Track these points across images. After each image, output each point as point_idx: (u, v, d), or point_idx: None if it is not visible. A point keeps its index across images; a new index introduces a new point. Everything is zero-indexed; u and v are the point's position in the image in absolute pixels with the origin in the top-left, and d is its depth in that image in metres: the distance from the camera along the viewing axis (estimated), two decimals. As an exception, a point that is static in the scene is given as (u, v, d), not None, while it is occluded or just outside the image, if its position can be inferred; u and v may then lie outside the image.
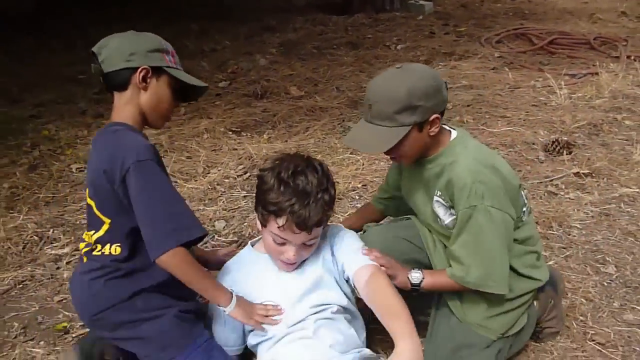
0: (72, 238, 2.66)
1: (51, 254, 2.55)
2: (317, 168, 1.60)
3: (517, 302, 1.71)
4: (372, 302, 1.56)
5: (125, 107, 1.63)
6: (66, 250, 2.56)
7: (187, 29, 6.87)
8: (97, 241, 1.63)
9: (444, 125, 1.69)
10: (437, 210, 1.70)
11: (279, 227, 1.54)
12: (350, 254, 1.67)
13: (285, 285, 1.65)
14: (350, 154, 3.37)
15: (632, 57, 4.79)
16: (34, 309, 2.20)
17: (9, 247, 2.58)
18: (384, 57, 5.24)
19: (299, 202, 1.52)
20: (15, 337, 2.05)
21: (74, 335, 2.04)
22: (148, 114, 1.65)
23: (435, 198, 1.69)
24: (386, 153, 1.66)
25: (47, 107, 4.48)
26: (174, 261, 1.47)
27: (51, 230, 2.73)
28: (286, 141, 3.59)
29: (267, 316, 1.60)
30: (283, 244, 1.59)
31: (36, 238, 2.65)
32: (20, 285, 2.35)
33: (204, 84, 1.72)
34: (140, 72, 1.58)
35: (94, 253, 1.63)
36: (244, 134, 3.76)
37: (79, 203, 2.99)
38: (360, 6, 6.93)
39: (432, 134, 1.62)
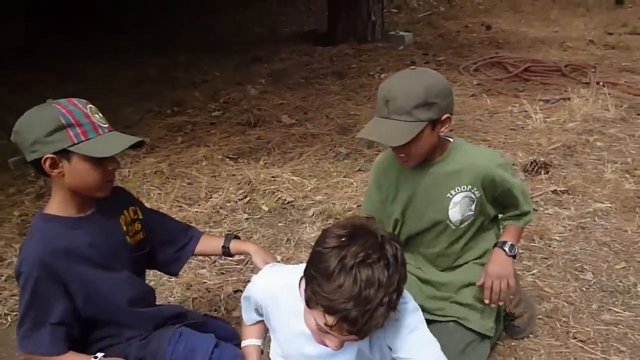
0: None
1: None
2: (390, 260, 1.25)
3: None
4: None
5: (55, 193, 1.58)
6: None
7: (176, 61, 7.10)
8: None
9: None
10: (455, 207, 1.83)
11: (326, 324, 1.27)
12: (416, 344, 1.42)
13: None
14: (343, 177, 3.59)
15: (601, 83, 5.10)
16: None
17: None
18: (368, 86, 5.50)
19: (357, 307, 1.21)
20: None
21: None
22: (80, 191, 1.56)
23: (459, 195, 1.82)
24: (398, 149, 1.72)
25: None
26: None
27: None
28: (282, 166, 3.79)
29: None
30: (326, 332, 1.31)
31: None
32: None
33: (121, 148, 1.51)
34: (45, 161, 1.48)
35: None
36: (241, 161, 3.95)
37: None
38: (343, 37, 7.23)
39: (441, 133, 1.74)
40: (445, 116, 1.71)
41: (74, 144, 1.46)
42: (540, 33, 7.75)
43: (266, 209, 3.27)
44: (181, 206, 3.30)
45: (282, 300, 1.48)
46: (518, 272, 2.33)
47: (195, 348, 1.64)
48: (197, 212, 3.25)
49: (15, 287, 2.61)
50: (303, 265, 1.37)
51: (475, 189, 1.82)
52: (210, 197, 3.43)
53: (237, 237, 1.94)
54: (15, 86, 6.32)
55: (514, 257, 1.89)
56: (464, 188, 1.82)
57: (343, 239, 1.25)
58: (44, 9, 8.60)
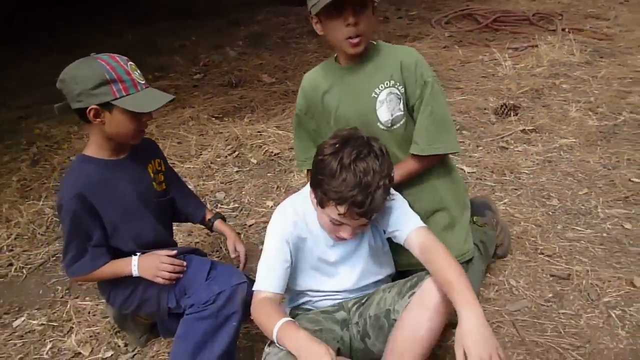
0: (89, 217, 2.99)
1: (73, 231, 2.88)
2: (378, 153, 1.56)
3: (467, 217, 2.05)
4: (430, 270, 1.60)
5: (92, 137, 1.77)
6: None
7: (154, 28, 7.13)
8: None
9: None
10: (382, 107, 1.82)
11: (339, 214, 1.55)
12: (400, 217, 1.71)
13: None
14: (326, 129, 3.77)
15: (567, 30, 5.31)
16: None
17: (34, 229, 2.89)
18: (345, 43, 5.64)
19: (361, 192, 1.50)
20: (62, 296, 2.39)
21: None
22: (117, 139, 1.75)
23: (384, 92, 1.81)
24: (357, 28, 1.71)
25: (34, 109, 4.72)
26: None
27: (68, 212, 3.05)
28: (266, 122, 3.95)
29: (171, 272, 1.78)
30: (340, 224, 1.60)
31: (55, 221, 2.97)
32: (54, 258, 2.67)
33: (159, 104, 1.71)
34: (89, 112, 1.65)
35: None
36: (226, 119, 4.11)
37: (86, 189, 3.30)
38: (317, -4, 7.30)
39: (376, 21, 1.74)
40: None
41: (116, 99, 1.64)
42: (509, -16, 7.89)
43: (255, 161, 3.45)
44: (174, 163, 3.46)
45: (308, 216, 1.71)
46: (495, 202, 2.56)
47: (197, 268, 1.84)
48: (189, 167, 3.42)
49: (26, 243, 2.79)
50: (299, 192, 1.67)
51: (398, 83, 1.81)
52: (201, 154, 3.60)
53: (223, 219, 2.16)
54: (1, 61, 6.34)
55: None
56: (386, 84, 1.81)
57: (337, 145, 1.55)
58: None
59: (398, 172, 1.82)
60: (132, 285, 1.84)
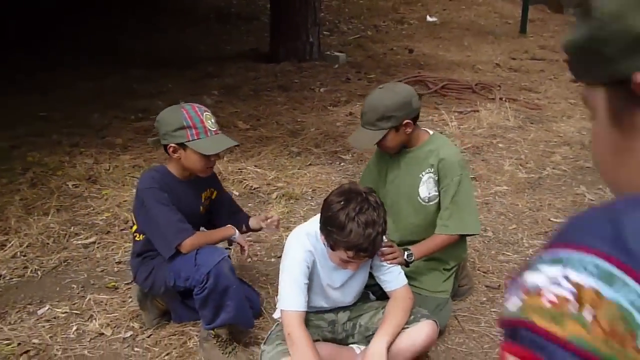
0: (91, 232, 3.39)
1: (79, 243, 3.28)
2: (375, 205, 1.96)
3: (454, 267, 2.57)
4: (388, 307, 2.17)
5: (171, 163, 2.27)
6: (93, 239, 3.30)
7: (130, 75, 7.60)
8: (135, 231, 2.39)
9: (422, 127, 2.49)
10: (423, 186, 2.40)
11: (348, 257, 1.97)
12: (388, 273, 2.21)
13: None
14: (298, 169, 4.33)
15: (504, 99, 6.14)
16: (83, 277, 2.94)
17: (44, 239, 3.27)
18: (311, 98, 6.30)
19: (366, 240, 1.91)
20: (79, 292, 2.79)
21: (121, 291, 2.80)
22: (189, 171, 2.26)
23: (426, 176, 2.39)
24: (378, 145, 2.39)
25: (23, 140, 5.06)
26: (185, 250, 2.20)
27: (71, 227, 3.44)
28: (245, 161, 4.47)
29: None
30: (348, 261, 2.02)
31: (62, 233, 3.36)
32: (65, 263, 3.06)
33: (222, 148, 2.23)
34: (170, 148, 2.19)
35: (136, 239, 2.41)
36: (208, 158, 4.60)
37: (84, 210, 3.70)
38: (285, 56, 8.01)
39: (407, 132, 2.36)
40: (405, 121, 2.33)
41: (189, 141, 2.14)
42: (455, 57, 8.82)
43: (237, 193, 3.94)
44: (164, 191, 3.91)
45: (318, 249, 2.13)
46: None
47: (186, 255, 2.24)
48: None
49: (37, 250, 3.17)
50: (310, 227, 2.15)
51: (435, 173, 2.37)
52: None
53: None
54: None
55: (409, 262, 2.34)
56: (428, 170, 2.39)
57: (342, 202, 1.96)
58: (3, 23, 8.87)
59: (430, 246, 2.38)
60: (151, 266, 2.30)
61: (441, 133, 5.13)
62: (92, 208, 3.71)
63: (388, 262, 2.21)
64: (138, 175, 4.17)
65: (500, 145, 4.82)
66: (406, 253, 2.32)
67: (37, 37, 9.31)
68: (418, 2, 12.87)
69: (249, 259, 2.90)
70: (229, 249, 2.71)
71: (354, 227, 1.91)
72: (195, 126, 2.14)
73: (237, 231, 2.39)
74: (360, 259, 2.03)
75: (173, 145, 2.17)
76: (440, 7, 12.69)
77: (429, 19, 11.70)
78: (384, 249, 2.19)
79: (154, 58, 8.70)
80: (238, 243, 2.43)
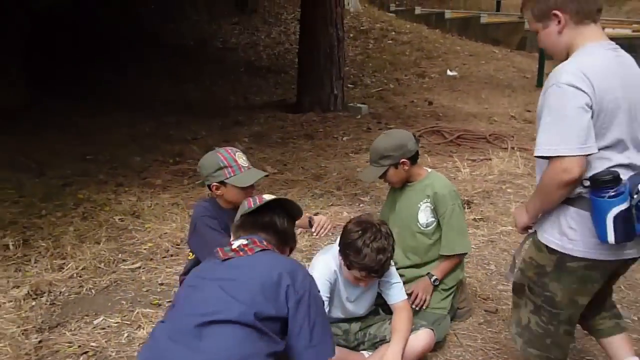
0: (137, 259, 3.84)
1: (126, 267, 3.72)
2: (385, 235, 2.41)
3: (452, 287, 2.95)
4: (395, 318, 2.60)
5: (218, 197, 2.65)
6: (138, 265, 3.74)
7: (165, 121, 8.23)
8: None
9: (421, 167, 2.98)
10: (421, 213, 2.87)
11: (361, 276, 2.41)
12: (392, 289, 2.63)
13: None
14: (321, 209, 4.75)
15: (515, 148, 6.54)
16: (130, 295, 3.37)
17: (96, 264, 3.73)
18: (334, 146, 6.79)
19: (377, 264, 2.36)
20: (128, 307, 3.21)
21: (164, 307, 3.21)
22: (232, 203, 2.57)
23: (423, 205, 2.86)
24: (382, 179, 2.92)
25: (73, 179, 5.61)
26: None
27: (119, 254, 3.89)
28: (272, 201, 4.91)
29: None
30: (361, 279, 2.46)
31: (112, 258, 3.81)
32: (115, 284, 3.50)
33: (254, 180, 2.58)
34: (212, 187, 2.59)
35: (188, 257, 2.84)
36: (239, 197, 5.06)
37: (130, 240, 4.16)
38: (310, 106, 8.58)
39: (405, 169, 2.85)
40: (402, 160, 2.83)
41: (227, 178, 2.55)
42: (473, 109, 9.27)
43: (265, 228, 4.36)
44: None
45: (339, 270, 2.56)
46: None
47: None
48: (213, 229, 4.31)
49: (91, 272, 3.61)
50: (332, 252, 2.58)
51: (431, 203, 2.85)
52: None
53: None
54: (24, 135, 7.29)
55: (436, 284, 2.87)
56: (425, 200, 2.88)
57: (359, 231, 2.41)
58: (41, 75, 9.65)
59: (442, 270, 2.88)
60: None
61: (454, 178, 5.61)
62: (136, 239, 4.17)
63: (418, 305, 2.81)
64: (177, 211, 4.67)
65: (509, 190, 5.19)
66: (432, 278, 2.86)
67: (75, 84, 10.08)
68: (439, 57, 13.49)
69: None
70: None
71: (368, 252, 2.35)
72: (230, 165, 2.56)
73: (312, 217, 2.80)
74: (370, 279, 2.46)
75: (215, 184, 2.59)
76: (460, 61, 13.27)
77: (449, 73, 12.26)
78: (415, 300, 2.79)
79: (187, 106, 9.36)
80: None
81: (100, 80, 10.51)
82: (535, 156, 1.94)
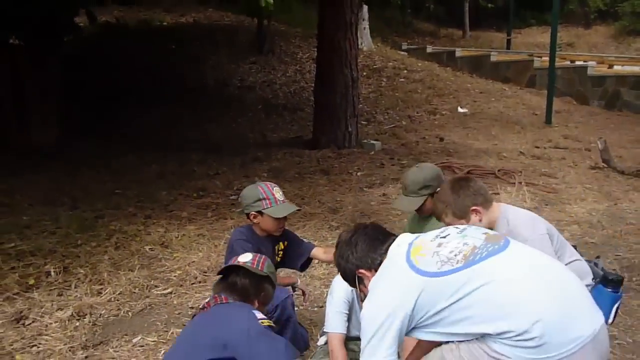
0: (168, 285, 4.16)
1: (159, 293, 4.04)
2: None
3: None
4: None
5: (254, 225, 3.02)
6: (169, 290, 4.06)
7: (189, 159, 8.64)
8: None
9: None
10: None
11: None
12: None
13: None
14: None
15: (523, 183, 6.83)
16: (164, 317, 3.68)
17: (131, 289, 4.05)
18: (349, 180, 7.13)
19: None
20: (163, 327, 3.52)
21: (195, 328, 3.51)
22: (267, 232, 3.02)
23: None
24: (417, 211, 3.14)
25: (105, 212, 5.98)
26: None
27: (151, 281, 4.22)
28: (292, 233, 5.23)
29: None
30: None
31: (145, 284, 4.13)
32: (149, 307, 3.82)
33: (287, 212, 2.99)
34: (251, 215, 2.99)
35: None
36: (260, 229, 5.39)
37: (161, 268, 4.49)
38: (326, 143, 8.96)
39: None
40: (438, 190, 3.08)
41: (264, 209, 2.94)
42: (482, 145, 9.59)
43: (285, 258, 4.68)
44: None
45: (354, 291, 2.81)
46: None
47: None
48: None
49: (127, 297, 3.95)
50: None
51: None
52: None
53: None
54: (58, 173, 7.74)
55: None
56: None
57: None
58: (72, 117, 10.21)
59: None
60: None
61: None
62: (166, 267, 4.50)
63: None
64: (203, 241, 5.01)
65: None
66: None
67: (103, 124, 10.60)
68: (450, 94, 13.92)
69: (307, 302, 3.59)
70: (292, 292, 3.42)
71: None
72: (268, 197, 2.95)
73: (299, 279, 3.20)
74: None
75: (253, 213, 2.97)
76: (471, 99, 13.68)
77: (459, 110, 12.65)
78: None
79: (209, 144, 9.78)
80: (300, 289, 3.22)
81: (126, 120, 11.03)
82: None
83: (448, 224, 2.61)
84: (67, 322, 3.56)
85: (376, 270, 2.14)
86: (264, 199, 2.95)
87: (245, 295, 2.40)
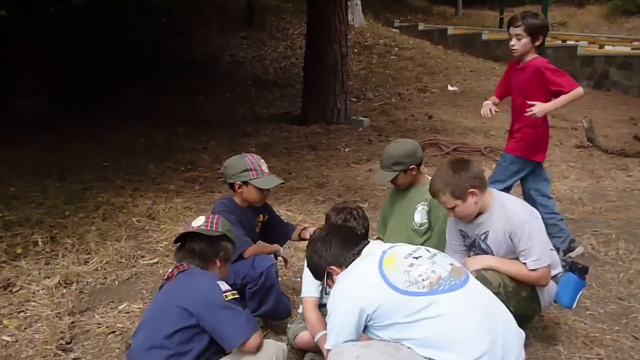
0: (154, 255, 4.22)
1: (145, 262, 4.11)
2: (356, 215, 2.94)
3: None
4: None
5: (236, 195, 3.11)
6: (156, 260, 4.13)
7: (177, 132, 8.66)
8: None
9: (423, 173, 3.34)
10: (417, 214, 3.20)
11: None
12: None
13: None
14: (322, 214, 5.12)
15: (508, 161, 6.90)
16: (150, 286, 3.75)
17: (118, 258, 4.11)
18: (336, 156, 7.18)
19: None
20: (148, 295, 3.59)
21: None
22: (248, 201, 3.11)
23: (420, 207, 3.20)
24: (393, 183, 3.28)
25: (92, 184, 6.02)
26: (247, 255, 3.03)
27: (138, 251, 4.28)
28: (278, 206, 5.29)
29: None
30: None
31: (132, 254, 4.19)
32: (136, 276, 3.89)
33: (273, 184, 3.09)
34: (236, 185, 3.05)
35: None
36: (247, 202, 5.45)
37: (147, 239, 4.54)
38: (314, 119, 9.00)
39: (413, 175, 3.22)
40: (411, 167, 3.21)
41: (251, 179, 3.01)
42: (471, 123, 9.62)
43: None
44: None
45: None
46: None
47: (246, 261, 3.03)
48: (223, 230, 4.70)
49: (114, 266, 4.01)
50: None
51: (427, 205, 3.20)
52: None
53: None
54: (46, 146, 7.74)
55: None
56: (423, 202, 3.22)
57: (335, 212, 3.00)
58: (61, 88, 10.17)
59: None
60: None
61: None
62: (153, 238, 4.56)
63: None
64: (190, 214, 5.06)
65: (498, 199, 5.54)
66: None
67: (92, 96, 10.56)
68: (441, 72, 13.94)
69: (288, 269, 3.71)
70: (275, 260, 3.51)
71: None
72: (255, 169, 3.04)
73: (281, 249, 3.27)
74: None
75: (239, 183, 3.04)
76: (461, 77, 13.71)
77: (449, 88, 12.69)
78: None
79: (198, 118, 9.80)
80: (282, 257, 3.29)
81: (114, 94, 10.99)
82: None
83: (443, 203, 2.75)
84: (54, 289, 3.63)
85: (346, 267, 2.39)
86: (251, 169, 3.02)
87: (205, 258, 2.49)
